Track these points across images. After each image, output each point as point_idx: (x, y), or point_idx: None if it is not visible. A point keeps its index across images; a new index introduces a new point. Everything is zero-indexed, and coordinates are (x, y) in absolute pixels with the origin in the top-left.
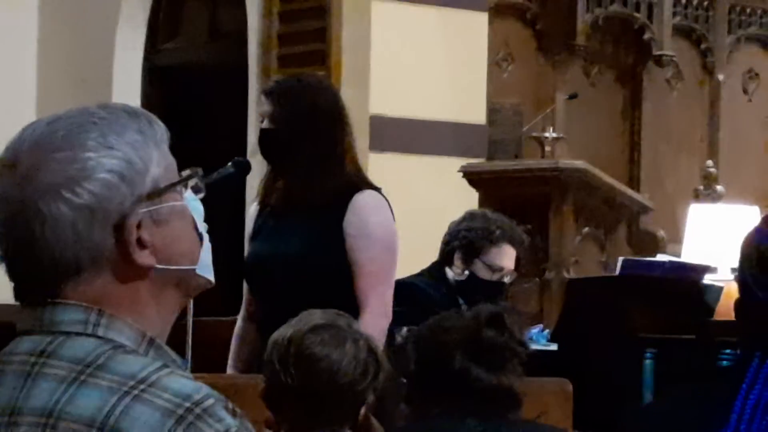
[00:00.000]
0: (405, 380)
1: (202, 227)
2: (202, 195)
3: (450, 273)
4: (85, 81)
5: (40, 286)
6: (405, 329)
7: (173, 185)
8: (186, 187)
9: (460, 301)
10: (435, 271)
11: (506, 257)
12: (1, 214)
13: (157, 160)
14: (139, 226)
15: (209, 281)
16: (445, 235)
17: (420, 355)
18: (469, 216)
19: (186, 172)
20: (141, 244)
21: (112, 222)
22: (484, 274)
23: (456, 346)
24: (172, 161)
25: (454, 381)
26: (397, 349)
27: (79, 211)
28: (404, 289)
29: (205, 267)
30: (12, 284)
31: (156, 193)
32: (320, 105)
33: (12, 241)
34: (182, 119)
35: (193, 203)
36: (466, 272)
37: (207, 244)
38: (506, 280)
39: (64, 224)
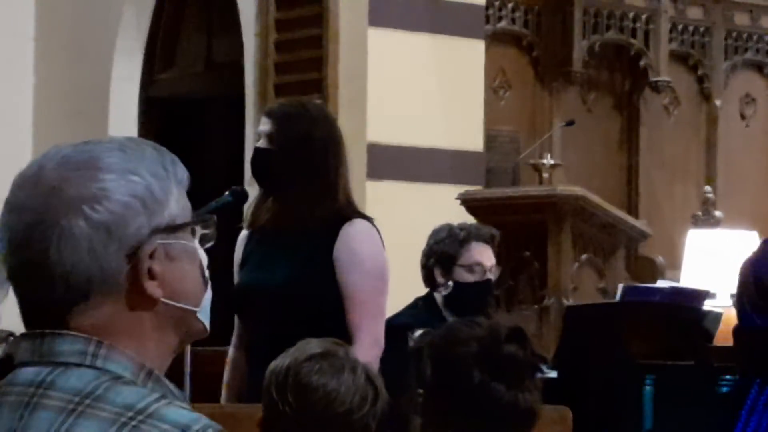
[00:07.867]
0: (420, 390)
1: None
2: (210, 244)
3: (438, 297)
4: (82, 112)
5: (49, 304)
6: (418, 332)
7: (190, 223)
8: (195, 233)
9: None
10: (426, 300)
11: (481, 254)
12: (18, 225)
13: (177, 197)
14: (152, 256)
15: (205, 329)
16: (421, 260)
17: (436, 367)
18: (434, 233)
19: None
20: (151, 274)
21: (128, 247)
22: (466, 277)
23: (475, 360)
24: (188, 205)
25: (472, 397)
26: (411, 354)
27: (96, 229)
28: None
29: (204, 312)
30: (19, 307)
31: (172, 228)
32: (316, 133)
33: (25, 254)
34: (179, 149)
35: (199, 252)
36: (450, 282)
37: (209, 292)
38: (490, 276)
39: (80, 240)
